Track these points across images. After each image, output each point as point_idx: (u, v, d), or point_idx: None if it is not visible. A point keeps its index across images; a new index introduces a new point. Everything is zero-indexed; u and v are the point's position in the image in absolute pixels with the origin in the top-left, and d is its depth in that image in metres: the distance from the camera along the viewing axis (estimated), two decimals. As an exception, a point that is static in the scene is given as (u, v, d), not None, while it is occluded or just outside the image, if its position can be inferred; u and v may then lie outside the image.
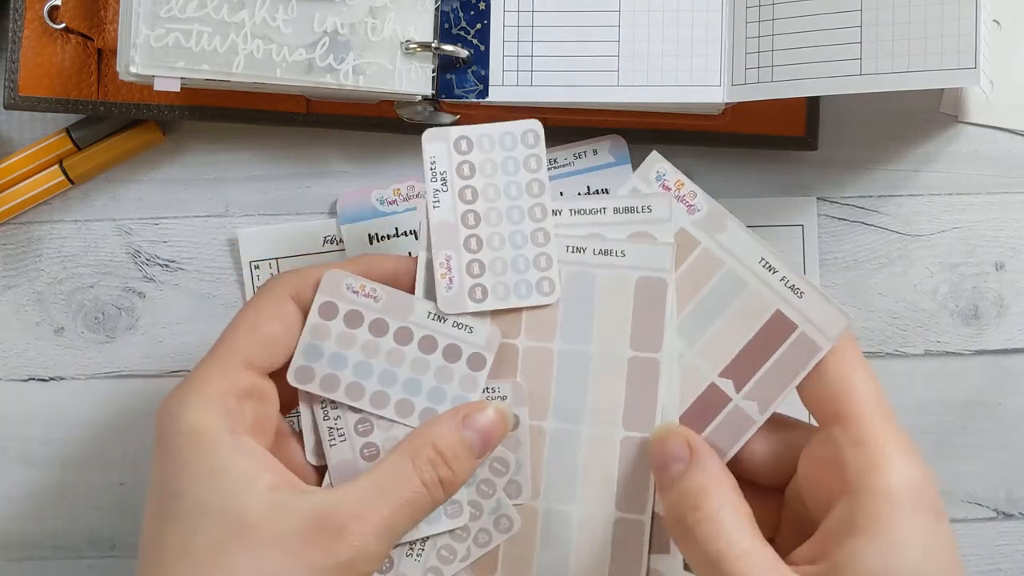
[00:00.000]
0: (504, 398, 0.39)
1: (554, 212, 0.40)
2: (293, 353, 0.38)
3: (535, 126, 0.39)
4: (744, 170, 0.50)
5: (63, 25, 0.47)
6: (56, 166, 0.49)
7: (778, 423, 0.39)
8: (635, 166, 0.49)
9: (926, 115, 0.50)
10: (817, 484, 0.36)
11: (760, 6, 0.46)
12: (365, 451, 0.38)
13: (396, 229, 0.49)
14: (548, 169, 0.40)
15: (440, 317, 0.38)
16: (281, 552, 0.33)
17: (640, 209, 0.39)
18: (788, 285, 0.39)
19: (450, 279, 0.38)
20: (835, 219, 0.50)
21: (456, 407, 0.38)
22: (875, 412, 0.36)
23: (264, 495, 0.34)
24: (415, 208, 0.49)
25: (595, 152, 0.49)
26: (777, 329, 0.39)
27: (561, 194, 0.49)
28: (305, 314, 0.38)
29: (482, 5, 0.48)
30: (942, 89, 0.50)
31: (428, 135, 0.39)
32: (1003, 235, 0.50)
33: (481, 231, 0.39)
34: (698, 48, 0.47)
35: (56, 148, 0.49)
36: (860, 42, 0.44)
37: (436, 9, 0.47)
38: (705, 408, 0.39)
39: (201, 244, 0.50)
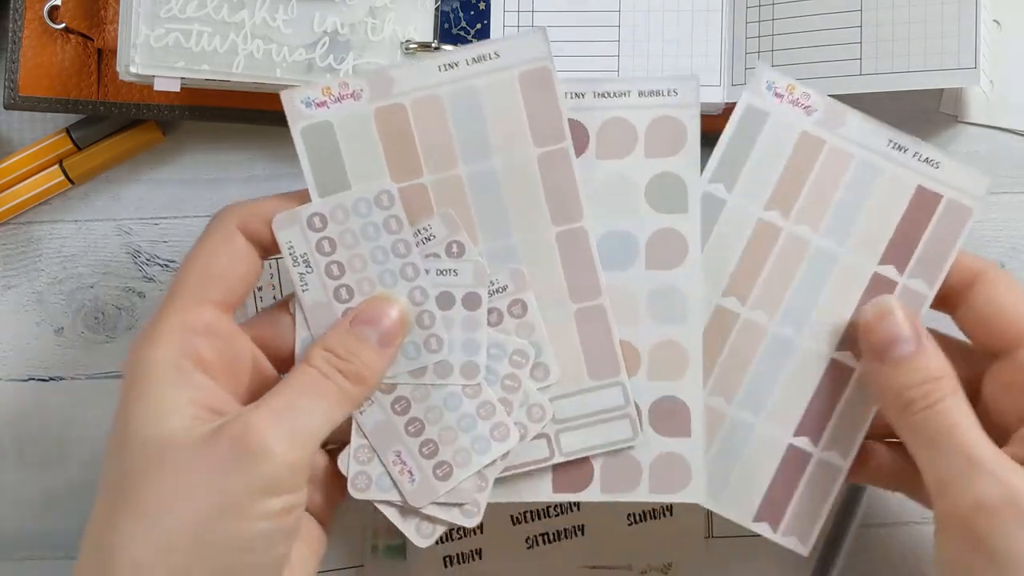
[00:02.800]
0: (505, 287, 0.39)
1: (577, 95, 0.39)
2: (250, 286, 0.38)
3: (387, 187, 0.38)
4: (744, 170, 0.50)
5: (63, 25, 0.47)
6: (56, 166, 0.49)
7: (955, 346, 0.40)
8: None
9: (926, 115, 0.50)
10: (1010, 407, 0.38)
11: (760, 6, 0.46)
12: (396, 406, 0.38)
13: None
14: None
15: (423, 269, 0.38)
16: (194, 472, 0.33)
17: (666, 92, 0.39)
18: (923, 160, 0.40)
19: None
20: (835, 219, 0.50)
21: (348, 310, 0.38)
22: None
23: (185, 422, 0.34)
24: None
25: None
26: (923, 204, 0.40)
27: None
28: (255, 244, 0.38)
29: (482, 5, 0.48)
30: (942, 89, 0.50)
31: (278, 221, 0.38)
32: (1003, 235, 0.50)
33: (357, 301, 0.38)
34: (698, 48, 0.47)
35: (56, 148, 0.49)
36: (860, 42, 0.44)
37: (436, 9, 0.47)
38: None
39: (201, 244, 0.50)
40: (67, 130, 0.49)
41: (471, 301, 0.38)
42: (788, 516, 0.40)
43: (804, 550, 0.40)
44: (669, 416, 0.40)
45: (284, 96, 0.38)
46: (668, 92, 0.39)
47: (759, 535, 0.40)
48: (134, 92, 0.47)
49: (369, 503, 0.39)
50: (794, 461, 0.40)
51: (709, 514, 0.49)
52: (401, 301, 0.38)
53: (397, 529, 0.38)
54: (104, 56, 0.47)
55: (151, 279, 0.50)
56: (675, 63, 0.47)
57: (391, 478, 0.38)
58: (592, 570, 0.49)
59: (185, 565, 0.32)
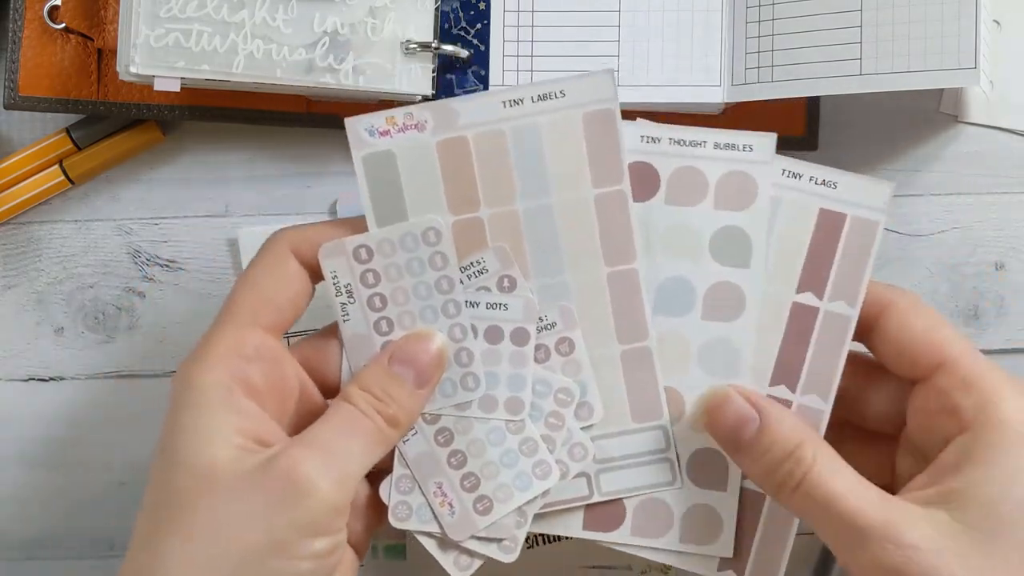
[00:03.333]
0: (554, 324, 0.39)
1: (652, 139, 0.39)
2: (301, 310, 0.38)
3: (436, 224, 0.38)
4: (744, 170, 0.50)
5: (63, 25, 0.47)
6: (56, 166, 0.49)
7: (885, 370, 0.39)
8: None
9: (926, 115, 0.50)
10: (930, 434, 0.37)
11: (760, 6, 0.46)
12: (439, 437, 0.39)
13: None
14: None
15: (465, 305, 0.38)
16: (242, 504, 0.33)
17: (741, 147, 0.39)
18: (819, 183, 0.39)
19: None
20: (835, 219, 0.50)
21: (386, 347, 0.38)
22: (973, 353, 0.37)
23: (231, 451, 0.34)
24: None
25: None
26: (829, 226, 0.39)
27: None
28: (307, 268, 0.38)
29: (482, 5, 0.48)
30: (942, 89, 0.50)
31: (324, 251, 0.38)
32: (1003, 235, 0.50)
33: (396, 336, 0.38)
34: (698, 48, 0.47)
35: (56, 148, 0.49)
36: (860, 42, 0.44)
37: (436, 9, 0.47)
38: (799, 329, 0.39)
39: (201, 244, 0.50)
40: (67, 130, 0.49)
41: (519, 336, 0.38)
42: (751, 562, 0.39)
43: None
44: (707, 468, 0.39)
45: (348, 123, 0.38)
46: (743, 147, 0.39)
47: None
48: (134, 92, 0.47)
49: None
50: (750, 502, 0.39)
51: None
52: (439, 338, 0.38)
53: (397, 529, 0.38)
54: (104, 56, 0.47)
55: (151, 279, 0.50)
56: (675, 63, 0.47)
57: (431, 509, 0.38)
58: (592, 570, 0.49)
59: None
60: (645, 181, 0.39)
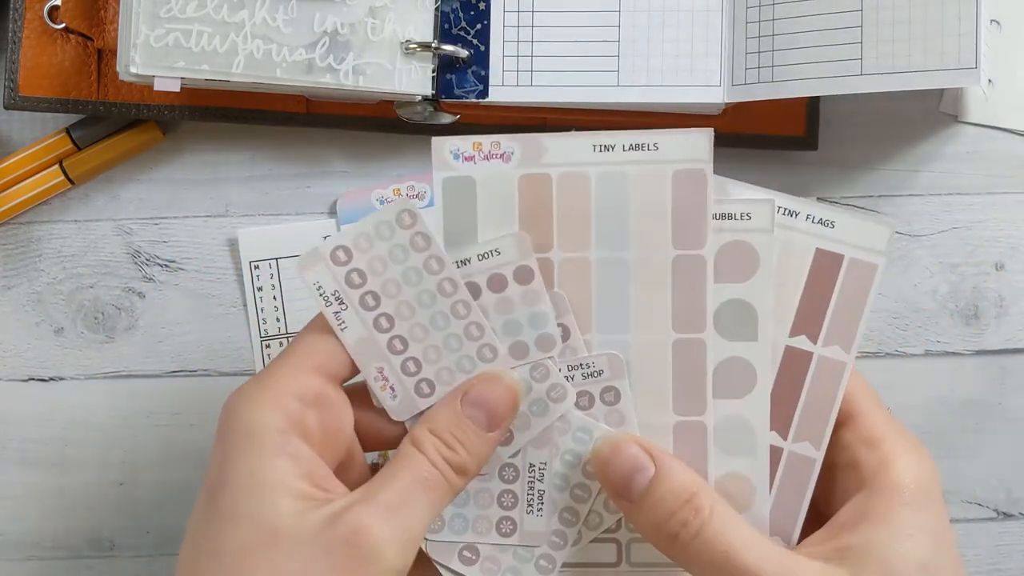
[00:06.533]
0: (600, 372, 0.37)
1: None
2: None
3: (408, 204, 0.37)
4: (744, 170, 0.50)
5: (63, 25, 0.47)
6: (56, 166, 0.49)
7: None
8: (635, 166, 0.49)
9: (926, 115, 0.50)
10: (832, 489, 0.36)
11: (760, 6, 0.46)
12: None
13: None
14: None
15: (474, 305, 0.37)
16: (304, 566, 0.32)
17: (739, 216, 0.37)
18: (816, 221, 0.38)
19: (391, 387, 0.37)
20: (835, 219, 0.50)
21: (458, 386, 0.36)
22: (879, 411, 0.36)
23: (294, 502, 0.33)
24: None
25: (595, 152, 0.49)
26: (825, 267, 0.37)
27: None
28: None
29: (482, 5, 0.48)
30: (942, 89, 0.50)
31: (300, 263, 0.36)
32: (1003, 235, 0.50)
33: (400, 328, 0.37)
34: (698, 48, 0.47)
35: (56, 148, 0.49)
36: (860, 42, 0.44)
37: (436, 9, 0.47)
38: (791, 374, 0.37)
39: (201, 244, 0.50)
40: (67, 130, 0.49)
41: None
42: None
43: None
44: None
45: (435, 143, 0.37)
46: (742, 216, 0.37)
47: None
48: (134, 92, 0.47)
49: None
50: None
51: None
52: (510, 376, 0.36)
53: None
54: (104, 56, 0.47)
55: (151, 279, 0.50)
56: (675, 63, 0.47)
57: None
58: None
59: None
60: None
